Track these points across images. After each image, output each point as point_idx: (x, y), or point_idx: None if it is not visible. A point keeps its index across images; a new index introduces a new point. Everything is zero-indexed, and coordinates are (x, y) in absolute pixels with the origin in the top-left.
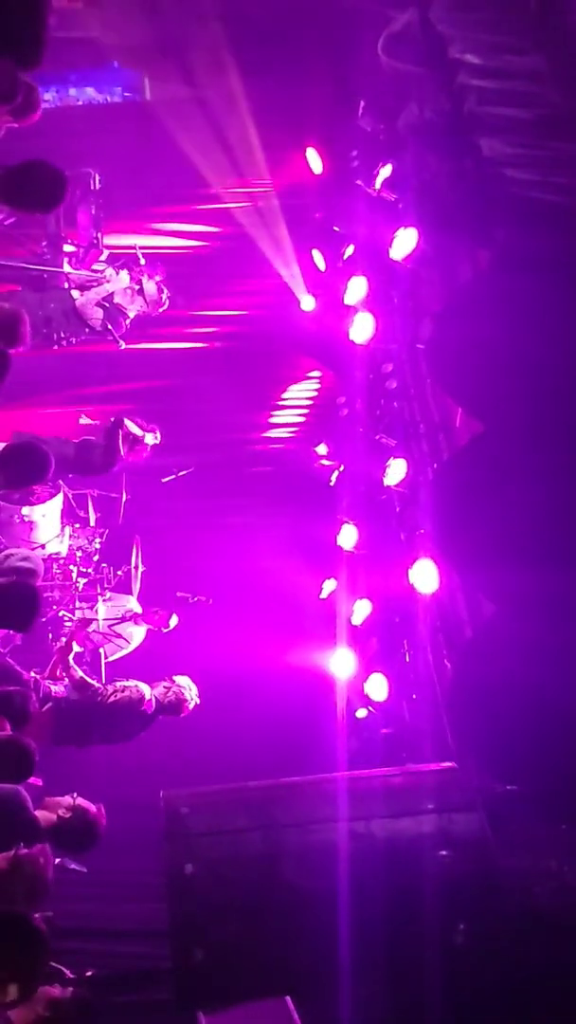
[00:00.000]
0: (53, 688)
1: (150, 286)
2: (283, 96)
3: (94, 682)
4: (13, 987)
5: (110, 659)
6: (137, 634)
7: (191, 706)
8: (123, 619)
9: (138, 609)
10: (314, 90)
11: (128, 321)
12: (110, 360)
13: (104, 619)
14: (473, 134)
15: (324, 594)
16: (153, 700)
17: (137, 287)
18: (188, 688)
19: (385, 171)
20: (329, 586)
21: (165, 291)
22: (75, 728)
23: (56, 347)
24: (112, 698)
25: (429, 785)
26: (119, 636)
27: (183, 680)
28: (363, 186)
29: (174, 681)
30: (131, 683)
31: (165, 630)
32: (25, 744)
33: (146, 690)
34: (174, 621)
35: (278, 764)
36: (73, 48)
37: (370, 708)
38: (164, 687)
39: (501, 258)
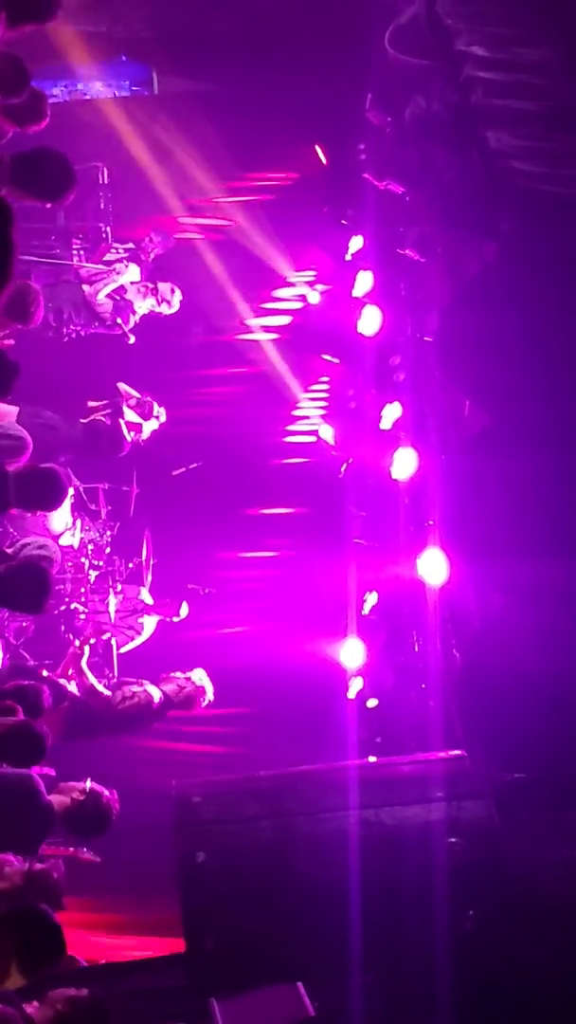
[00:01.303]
0: (69, 686)
1: (163, 287)
2: (290, 90)
3: (104, 689)
4: (17, 975)
5: (122, 650)
6: (149, 625)
7: (205, 702)
8: (134, 611)
9: (149, 601)
10: (321, 83)
11: (136, 317)
12: (122, 352)
13: (115, 611)
14: (480, 126)
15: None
16: (163, 699)
17: (151, 286)
18: (202, 683)
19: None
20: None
21: (177, 292)
22: (85, 728)
23: (66, 339)
24: (121, 705)
25: (438, 773)
26: (131, 627)
27: (197, 675)
28: (370, 179)
29: (189, 679)
30: (139, 688)
31: (176, 619)
32: (36, 729)
33: (155, 693)
34: (185, 610)
35: (289, 753)
36: (81, 42)
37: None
38: (177, 685)
39: (508, 250)
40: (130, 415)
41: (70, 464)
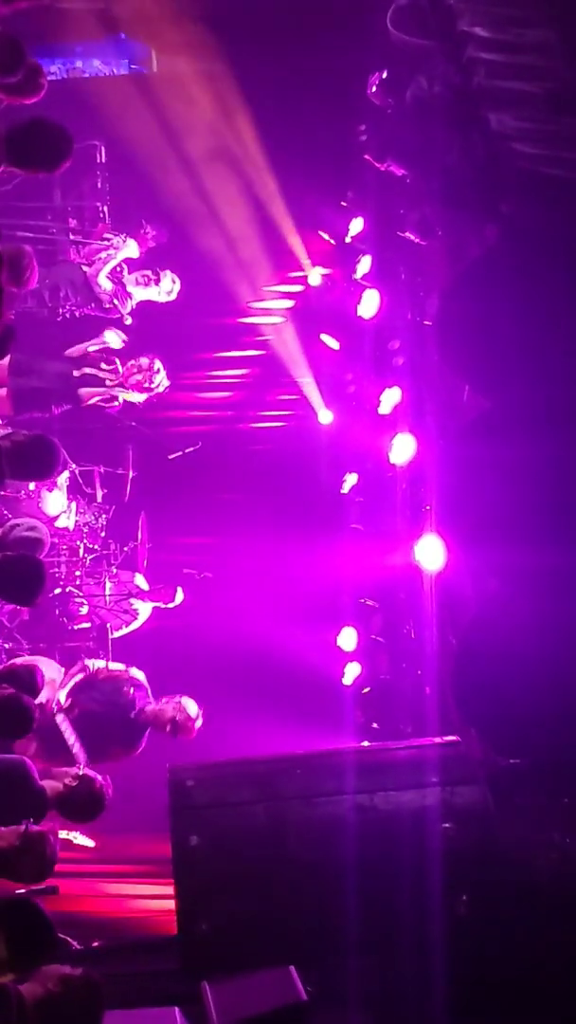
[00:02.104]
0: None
1: (165, 276)
2: (290, 70)
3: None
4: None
5: (116, 635)
6: (143, 610)
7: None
8: (129, 595)
9: (144, 586)
10: (322, 63)
11: (133, 301)
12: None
13: (110, 595)
14: (482, 108)
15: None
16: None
17: (153, 276)
18: (187, 711)
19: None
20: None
21: (177, 282)
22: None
23: (60, 318)
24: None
25: (433, 758)
26: (126, 612)
27: (187, 704)
28: (371, 160)
29: (179, 706)
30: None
31: (171, 605)
32: (24, 702)
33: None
34: (180, 596)
35: (283, 738)
36: (79, 20)
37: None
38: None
39: (509, 233)
40: (131, 396)
41: (63, 433)
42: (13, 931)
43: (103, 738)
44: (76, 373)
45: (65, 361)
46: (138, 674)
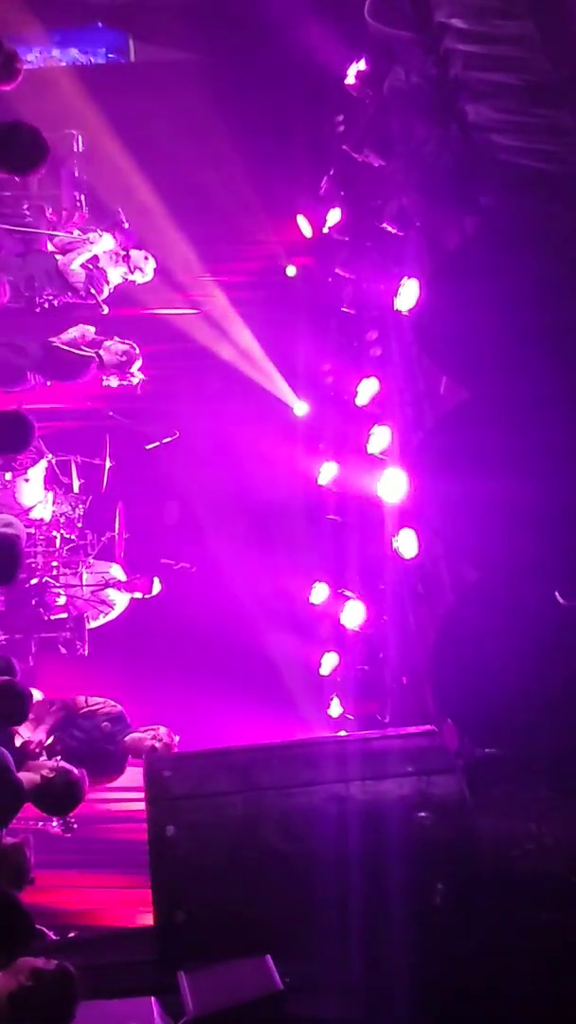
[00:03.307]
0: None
1: (136, 255)
2: (267, 59)
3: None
4: None
5: (92, 625)
6: (120, 601)
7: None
8: (106, 585)
9: (122, 576)
10: (300, 53)
11: (110, 287)
12: (95, 323)
13: (87, 585)
14: (459, 99)
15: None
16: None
17: (123, 253)
18: (165, 740)
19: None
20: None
21: (151, 260)
22: None
23: (38, 309)
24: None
25: (409, 748)
26: (102, 602)
27: (163, 734)
28: (348, 151)
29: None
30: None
31: (148, 596)
32: (20, 688)
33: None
34: (157, 586)
35: (260, 728)
36: (57, 7)
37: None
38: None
39: (487, 224)
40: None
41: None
42: None
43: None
44: (55, 341)
45: (46, 344)
46: (114, 706)
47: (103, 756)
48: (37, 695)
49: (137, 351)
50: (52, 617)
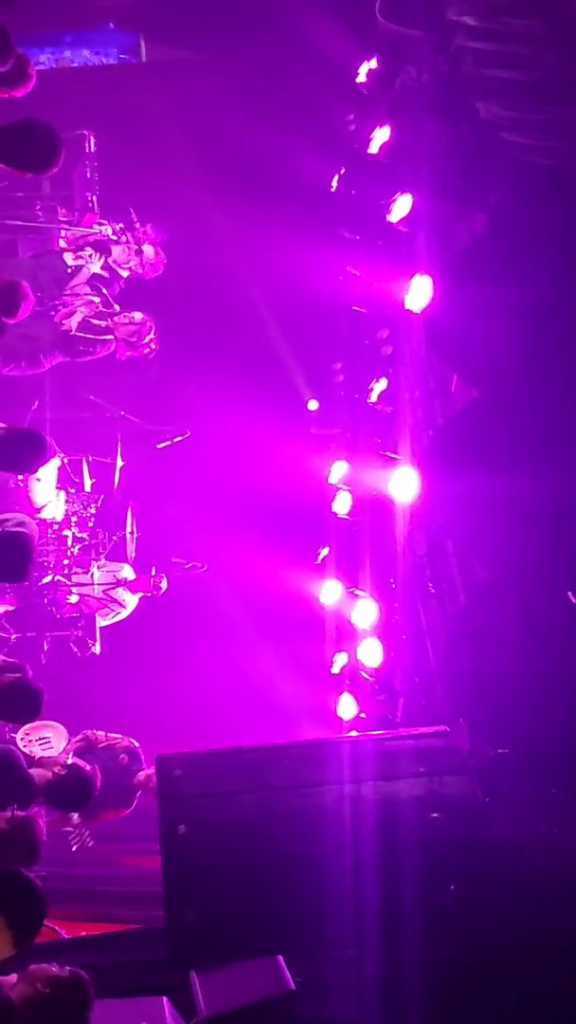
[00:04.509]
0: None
1: (148, 249)
2: (279, 59)
3: None
4: (6, 942)
5: (103, 624)
6: (131, 600)
7: None
8: (117, 584)
9: (132, 576)
10: (311, 52)
11: (121, 283)
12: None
13: (99, 584)
14: (470, 97)
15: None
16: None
17: (136, 247)
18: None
19: (382, 134)
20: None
21: (161, 255)
22: None
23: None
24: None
25: (421, 748)
26: (113, 601)
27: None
28: (359, 149)
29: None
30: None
31: (156, 594)
32: (33, 686)
33: None
34: (164, 584)
35: (272, 728)
36: (69, 9)
37: (365, 674)
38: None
39: (497, 222)
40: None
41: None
42: (5, 899)
43: (97, 803)
44: (65, 323)
45: (54, 326)
46: (132, 742)
47: (115, 788)
48: (60, 728)
49: (149, 323)
50: (64, 616)
